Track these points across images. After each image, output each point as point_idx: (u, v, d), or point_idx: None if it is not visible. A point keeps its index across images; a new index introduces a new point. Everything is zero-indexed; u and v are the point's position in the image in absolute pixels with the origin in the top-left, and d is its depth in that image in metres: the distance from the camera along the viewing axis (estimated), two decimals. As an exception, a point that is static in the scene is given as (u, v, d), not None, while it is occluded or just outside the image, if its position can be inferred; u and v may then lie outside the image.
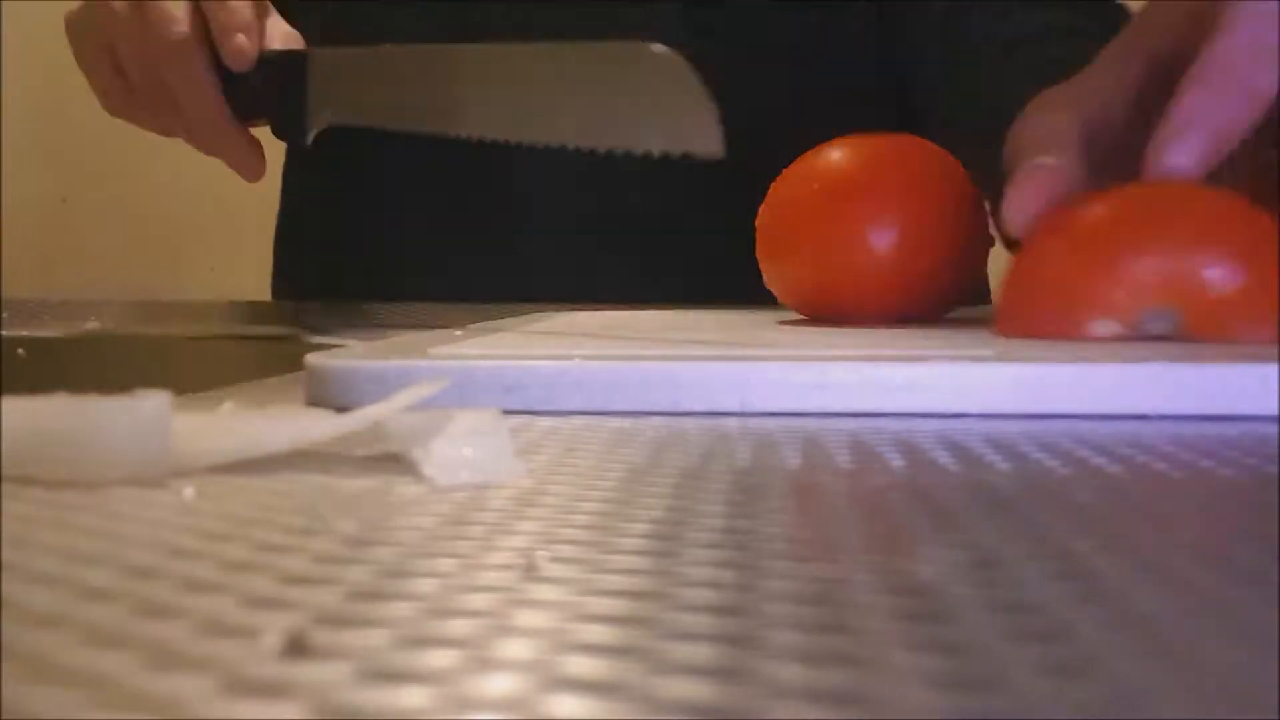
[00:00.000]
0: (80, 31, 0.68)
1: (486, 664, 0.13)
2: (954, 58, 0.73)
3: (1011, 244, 0.45)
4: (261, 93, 0.64)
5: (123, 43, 0.66)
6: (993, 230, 0.49)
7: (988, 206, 0.49)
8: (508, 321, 0.52)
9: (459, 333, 0.45)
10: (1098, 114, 0.44)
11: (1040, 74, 0.48)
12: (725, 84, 0.48)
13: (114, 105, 0.69)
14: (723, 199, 0.67)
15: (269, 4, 0.67)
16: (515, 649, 0.13)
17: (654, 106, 0.49)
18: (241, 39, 0.63)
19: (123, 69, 0.67)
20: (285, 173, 0.95)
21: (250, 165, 0.68)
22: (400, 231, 0.85)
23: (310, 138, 0.63)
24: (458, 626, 0.14)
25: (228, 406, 0.27)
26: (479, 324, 0.49)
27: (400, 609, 0.14)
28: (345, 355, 0.33)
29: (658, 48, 0.50)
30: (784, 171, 0.51)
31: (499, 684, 0.12)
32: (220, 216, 1.93)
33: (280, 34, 0.65)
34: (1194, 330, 0.38)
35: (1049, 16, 0.67)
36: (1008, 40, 0.66)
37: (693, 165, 0.48)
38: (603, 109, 0.51)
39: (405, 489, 0.22)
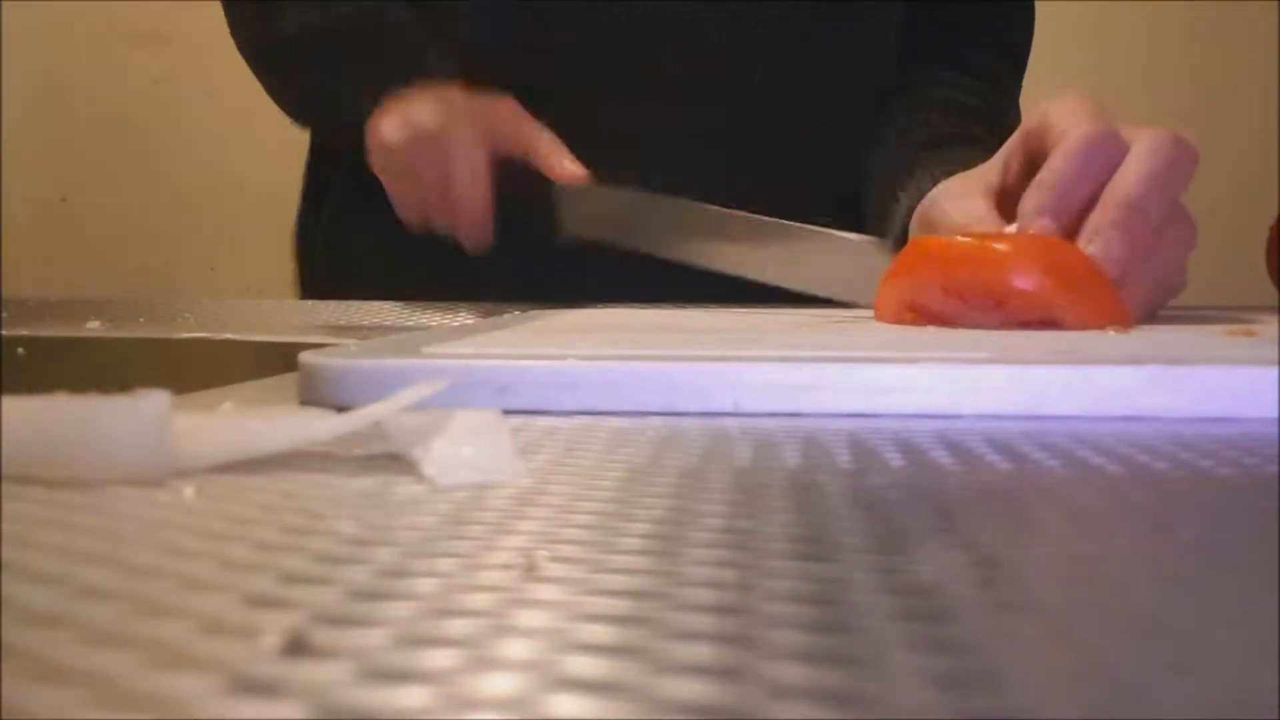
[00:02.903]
0: (397, 160, 0.80)
1: (486, 664, 0.13)
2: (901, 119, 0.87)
3: None
4: (519, 208, 0.79)
5: (430, 174, 0.79)
6: None
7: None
8: (505, 320, 0.52)
9: (455, 330, 0.45)
10: (994, 189, 0.63)
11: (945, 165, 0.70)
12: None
13: (409, 220, 0.81)
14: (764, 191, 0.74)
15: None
16: (515, 649, 0.13)
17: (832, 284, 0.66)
18: (576, 166, 0.76)
19: (423, 193, 0.80)
20: (310, 172, 0.99)
21: (484, 248, 0.80)
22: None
23: (560, 245, 0.78)
24: (458, 626, 0.14)
25: (228, 406, 0.27)
26: (475, 322, 0.49)
27: (400, 609, 0.14)
28: (339, 354, 0.33)
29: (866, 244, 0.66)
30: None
31: (499, 684, 0.12)
32: (220, 216, 1.93)
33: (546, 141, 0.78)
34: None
35: (956, 128, 0.83)
36: (924, 140, 0.82)
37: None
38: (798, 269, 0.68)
39: (405, 489, 0.22)
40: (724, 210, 0.71)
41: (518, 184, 0.78)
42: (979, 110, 0.84)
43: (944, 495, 0.22)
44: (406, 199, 0.80)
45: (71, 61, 1.94)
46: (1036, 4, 0.92)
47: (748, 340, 0.41)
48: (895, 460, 0.25)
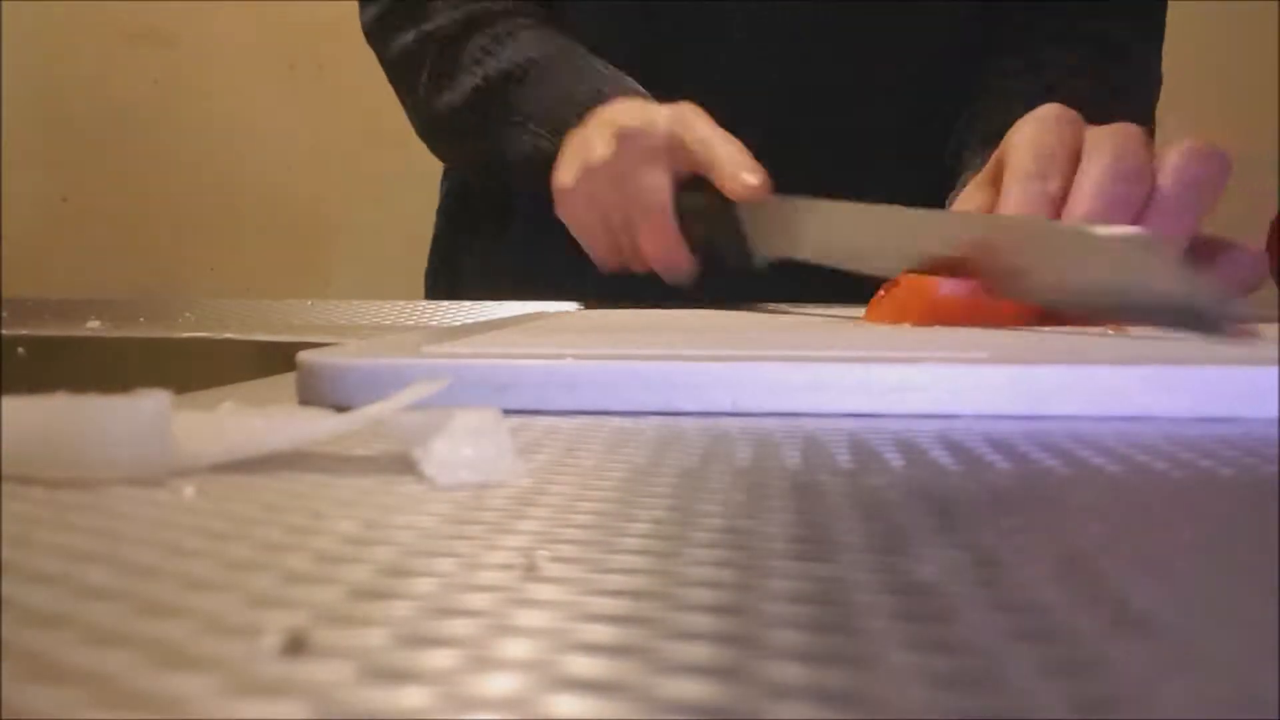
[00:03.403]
0: (578, 203, 0.76)
1: (486, 664, 0.13)
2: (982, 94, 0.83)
3: None
4: (710, 229, 0.73)
5: (614, 213, 0.74)
6: None
7: None
8: (504, 320, 0.52)
9: (454, 330, 0.45)
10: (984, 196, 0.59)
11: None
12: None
13: (604, 264, 0.77)
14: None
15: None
16: (515, 649, 0.13)
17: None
18: (756, 180, 0.69)
19: (609, 233, 0.76)
20: (440, 214, 0.96)
21: (684, 278, 0.75)
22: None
23: (761, 265, 0.71)
24: (458, 626, 0.14)
25: (228, 406, 0.27)
26: (474, 322, 0.49)
27: (400, 608, 0.14)
28: (337, 353, 0.33)
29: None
30: None
31: (499, 684, 0.12)
32: (220, 216, 1.93)
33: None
34: None
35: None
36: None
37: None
38: None
39: (405, 489, 0.22)
40: (916, 209, 0.62)
41: (701, 207, 0.72)
42: (1071, 87, 0.77)
43: (944, 495, 0.22)
44: (594, 241, 0.76)
45: (71, 61, 1.94)
46: None
47: (747, 340, 0.41)
48: (895, 460, 0.25)
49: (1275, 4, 1.73)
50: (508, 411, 0.28)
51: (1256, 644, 0.13)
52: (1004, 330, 0.46)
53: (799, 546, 0.18)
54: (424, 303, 0.78)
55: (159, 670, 0.12)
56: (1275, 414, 0.30)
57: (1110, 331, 0.45)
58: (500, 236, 0.90)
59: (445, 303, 0.78)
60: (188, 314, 0.74)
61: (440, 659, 0.13)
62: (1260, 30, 1.75)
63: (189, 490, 0.21)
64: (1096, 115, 0.57)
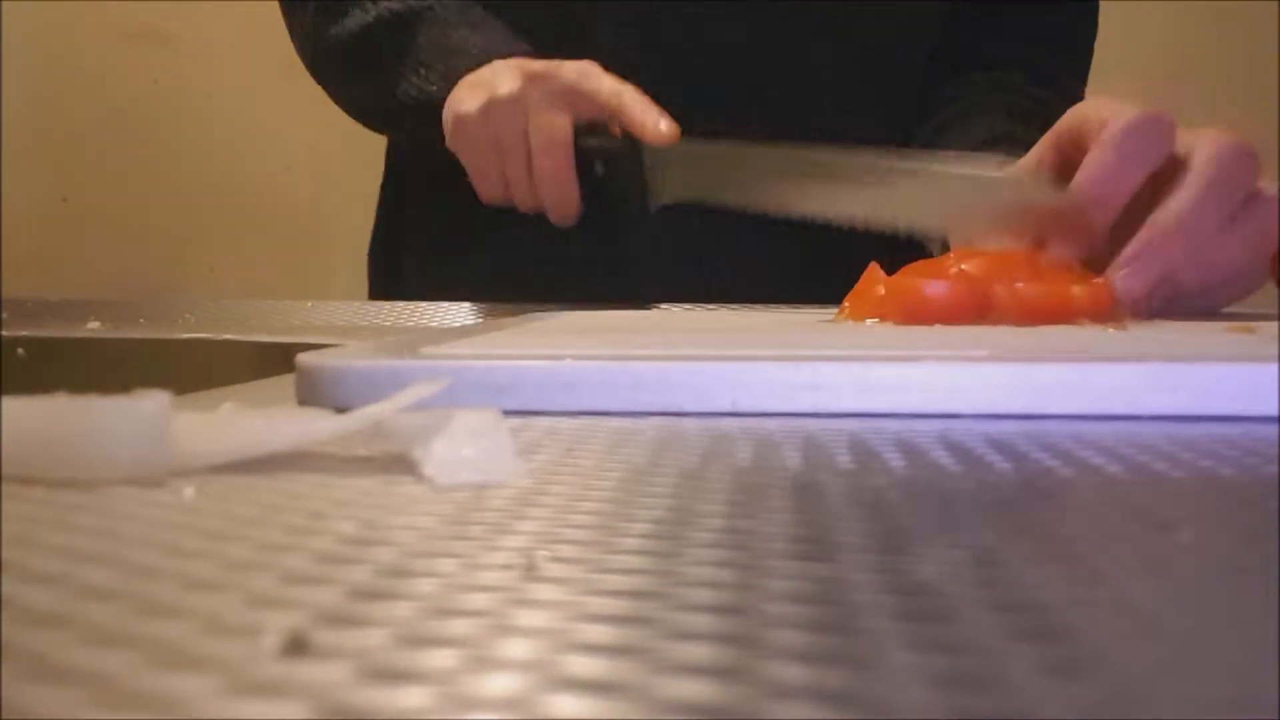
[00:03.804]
0: (473, 132, 0.77)
1: (486, 664, 0.13)
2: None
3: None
4: (607, 172, 0.77)
5: (511, 147, 0.76)
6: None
7: None
8: (503, 320, 0.52)
9: (453, 331, 0.45)
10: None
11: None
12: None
13: (491, 196, 0.79)
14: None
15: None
16: (515, 649, 0.13)
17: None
18: (668, 125, 0.72)
19: (503, 165, 0.77)
20: (385, 187, 0.96)
21: (571, 219, 0.78)
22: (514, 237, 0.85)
23: (654, 209, 0.75)
24: (458, 626, 0.14)
25: (228, 406, 0.27)
26: (474, 323, 0.49)
27: (400, 609, 0.14)
28: (336, 354, 0.33)
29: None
30: None
31: (499, 684, 0.12)
32: (220, 216, 1.93)
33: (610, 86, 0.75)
34: None
35: (1011, 128, 0.82)
36: (980, 140, 0.80)
37: None
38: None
39: (405, 489, 0.22)
40: (835, 153, 0.66)
41: (604, 149, 0.75)
42: (1030, 113, 0.82)
43: (944, 495, 0.22)
44: (486, 172, 0.78)
45: (71, 61, 1.94)
46: None
47: (746, 340, 0.41)
48: (895, 460, 0.25)
49: (1275, 4, 1.73)
50: (507, 412, 0.28)
51: (1256, 644, 0.13)
52: (1003, 328, 0.46)
53: (799, 546, 0.18)
54: (424, 304, 0.78)
55: (159, 670, 0.12)
56: (1275, 412, 0.30)
57: (1111, 330, 0.45)
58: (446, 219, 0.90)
59: (445, 304, 0.78)
60: (188, 315, 0.74)
61: (440, 659, 0.13)
62: (1261, 30, 1.75)
63: (189, 490, 0.21)
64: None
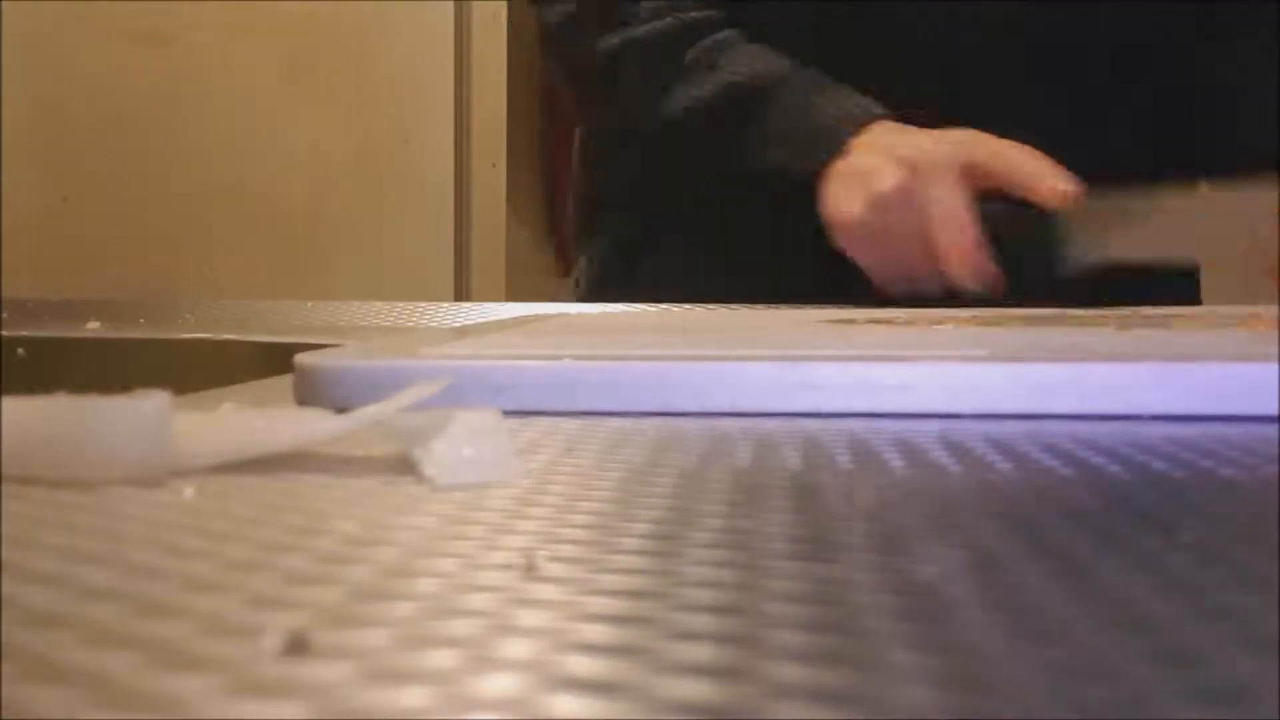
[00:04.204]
0: (857, 231, 0.73)
1: (486, 664, 0.13)
2: None
3: None
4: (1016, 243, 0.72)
5: (910, 241, 0.72)
6: None
7: None
8: (503, 321, 0.52)
9: (452, 331, 0.45)
10: None
11: None
12: None
13: (895, 291, 0.74)
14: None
15: None
16: (515, 649, 0.13)
17: None
18: (1068, 185, 0.68)
19: (907, 259, 0.73)
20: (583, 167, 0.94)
21: (999, 291, 0.72)
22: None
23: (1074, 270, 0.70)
24: (458, 626, 0.14)
25: (228, 406, 0.27)
26: (473, 323, 0.49)
27: (401, 609, 0.14)
28: (335, 355, 0.33)
29: None
30: None
31: (499, 684, 0.12)
32: (220, 216, 1.93)
33: None
34: None
35: None
36: None
37: None
38: None
39: (405, 489, 0.22)
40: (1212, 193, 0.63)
41: (1010, 219, 0.71)
42: None
43: (944, 495, 0.22)
44: (888, 271, 0.73)
45: (71, 61, 1.94)
46: None
47: (745, 340, 0.41)
48: (895, 460, 0.25)
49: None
50: (507, 412, 0.28)
51: (1256, 643, 0.13)
52: (1003, 329, 0.46)
53: (799, 546, 0.18)
54: (423, 304, 0.78)
55: (159, 671, 0.12)
56: (1275, 411, 0.30)
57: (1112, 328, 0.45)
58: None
59: (444, 304, 0.78)
60: (188, 315, 0.74)
61: (440, 659, 0.13)
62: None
63: (189, 491, 0.21)
64: None
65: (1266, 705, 0.12)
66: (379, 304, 0.79)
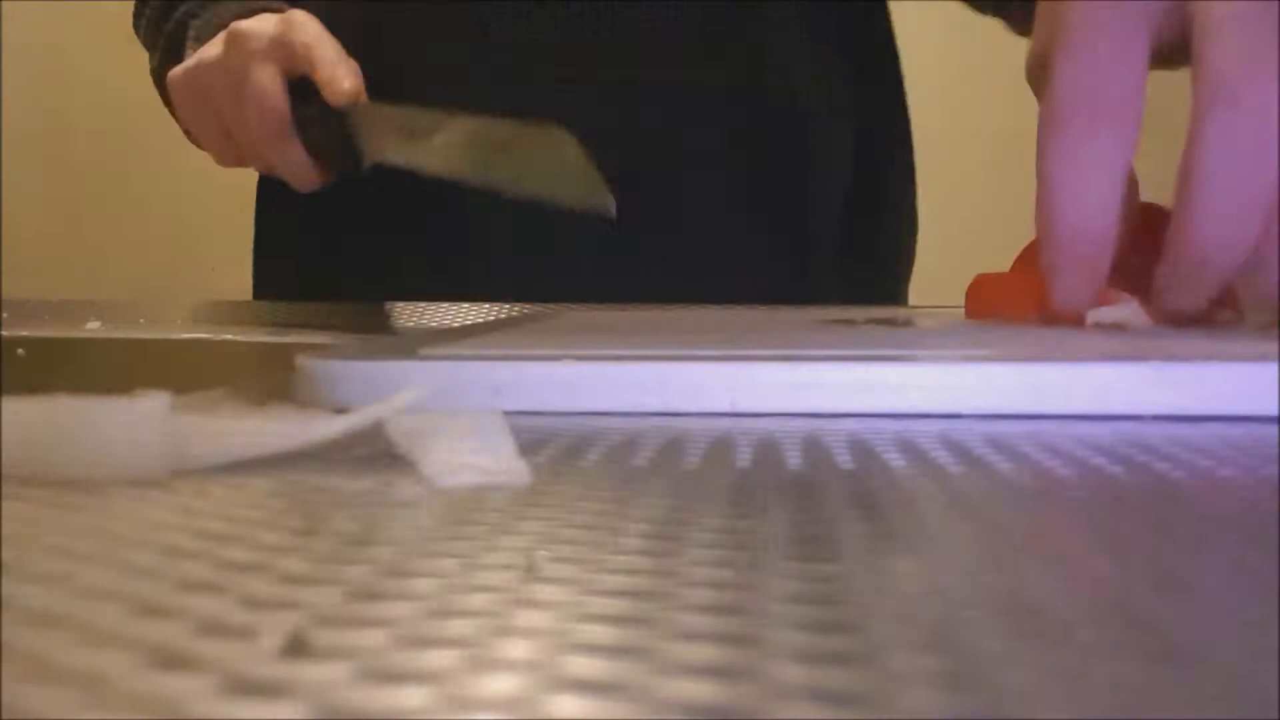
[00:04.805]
0: (187, 96, 0.78)
1: (486, 664, 0.13)
2: None
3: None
4: (323, 134, 0.76)
5: (226, 112, 0.76)
6: None
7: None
8: (501, 320, 0.52)
9: (451, 331, 0.45)
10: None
11: None
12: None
13: (225, 162, 0.79)
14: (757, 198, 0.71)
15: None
16: (515, 649, 0.13)
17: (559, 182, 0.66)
18: (350, 85, 0.72)
19: (227, 131, 0.77)
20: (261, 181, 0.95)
21: (311, 181, 0.78)
22: (396, 235, 0.85)
23: (365, 170, 0.75)
24: (458, 626, 0.14)
25: (228, 406, 0.27)
26: (471, 323, 0.49)
27: (400, 609, 0.14)
28: (334, 355, 0.33)
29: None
30: None
31: (499, 684, 0.12)
32: (220, 216, 1.93)
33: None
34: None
35: None
36: None
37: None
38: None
39: (405, 489, 0.22)
40: (494, 118, 0.68)
41: (315, 108, 0.74)
42: None
43: (944, 495, 0.22)
44: (208, 138, 0.78)
45: (71, 61, 1.94)
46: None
47: (745, 340, 0.41)
48: (895, 460, 0.25)
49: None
50: (507, 412, 0.28)
51: (1256, 644, 0.13)
52: (1003, 328, 0.46)
53: (799, 547, 0.18)
54: (423, 304, 0.78)
55: (158, 671, 0.12)
56: (1276, 412, 0.30)
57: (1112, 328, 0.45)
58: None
59: (444, 304, 0.78)
60: (188, 314, 0.74)
61: (440, 659, 0.13)
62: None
63: (189, 491, 0.21)
64: None
65: (1266, 705, 0.12)
66: (379, 304, 0.79)
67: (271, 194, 0.94)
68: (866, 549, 0.18)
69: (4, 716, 0.11)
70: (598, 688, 0.12)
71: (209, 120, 0.77)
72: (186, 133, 0.82)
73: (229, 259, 1.93)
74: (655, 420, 0.31)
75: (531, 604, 0.15)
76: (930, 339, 0.41)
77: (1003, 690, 0.12)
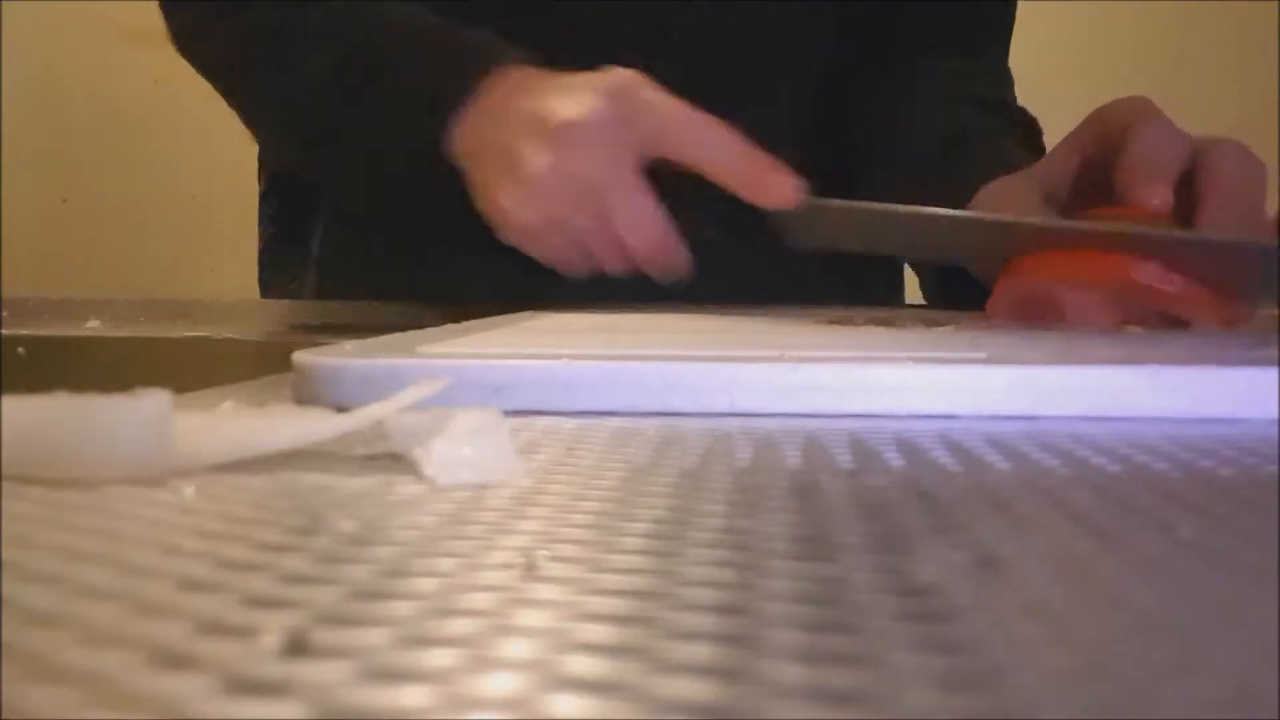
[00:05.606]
0: (527, 233, 0.66)
1: (486, 664, 0.13)
2: (896, 139, 0.84)
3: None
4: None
5: (581, 223, 0.64)
6: None
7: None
8: (500, 320, 0.52)
9: (451, 330, 0.45)
10: (1049, 188, 0.65)
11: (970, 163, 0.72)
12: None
13: (582, 271, 0.68)
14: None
15: None
16: (515, 649, 0.13)
17: None
18: (789, 191, 0.62)
19: (584, 240, 0.65)
20: (267, 184, 0.95)
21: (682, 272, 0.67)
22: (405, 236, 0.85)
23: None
24: (458, 626, 0.14)
25: (228, 406, 0.27)
26: (471, 322, 0.49)
27: (400, 608, 0.14)
28: (334, 354, 0.33)
29: None
30: None
31: (499, 684, 0.12)
32: (220, 216, 1.93)
33: None
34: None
35: (970, 119, 0.81)
36: (945, 137, 0.79)
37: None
38: None
39: (405, 489, 0.22)
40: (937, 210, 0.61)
41: (698, 198, 0.64)
42: (987, 98, 0.82)
43: (944, 495, 0.22)
44: (565, 261, 0.66)
45: (71, 61, 1.94)
46: (1031, 6, 0.93)
47: (744, 340, 0.41)
48: (895, 460, 0.25)
49: (1275, 3, 1.73)
50: (506, 412, 0.28)
51: (1256, 644, 0.13)
52: (1003, 331, 0.46)
53: (799, 546, 0.18)
54: (423, 304, 0.78)
55: (158, 670, 0.12)
56: (1275, 414, 0.30)
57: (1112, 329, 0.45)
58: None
59: (444, 305, 0.78)
60: (187, 314, 0.74)
61: (440, 659, 0.13)
62: (1262, 30, 1.75)
63: (189, 490, 0.21)
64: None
65: (1266, 705, 0.12)
66: (379, 304, 0.79)
67: (282, 191, 0.93)
68: (865, 549, 0.18)
69: (4, 716, 0.11)
70: (597, 687, 0.12)
71: (564, 243, 0.65)
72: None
73: (229, 259, 1.93)
74: (655, 420, 0.31)
75: (531, 603, 0.15)
76: (930, 340, 0.41)
77: (1002, 689, 0.12)
